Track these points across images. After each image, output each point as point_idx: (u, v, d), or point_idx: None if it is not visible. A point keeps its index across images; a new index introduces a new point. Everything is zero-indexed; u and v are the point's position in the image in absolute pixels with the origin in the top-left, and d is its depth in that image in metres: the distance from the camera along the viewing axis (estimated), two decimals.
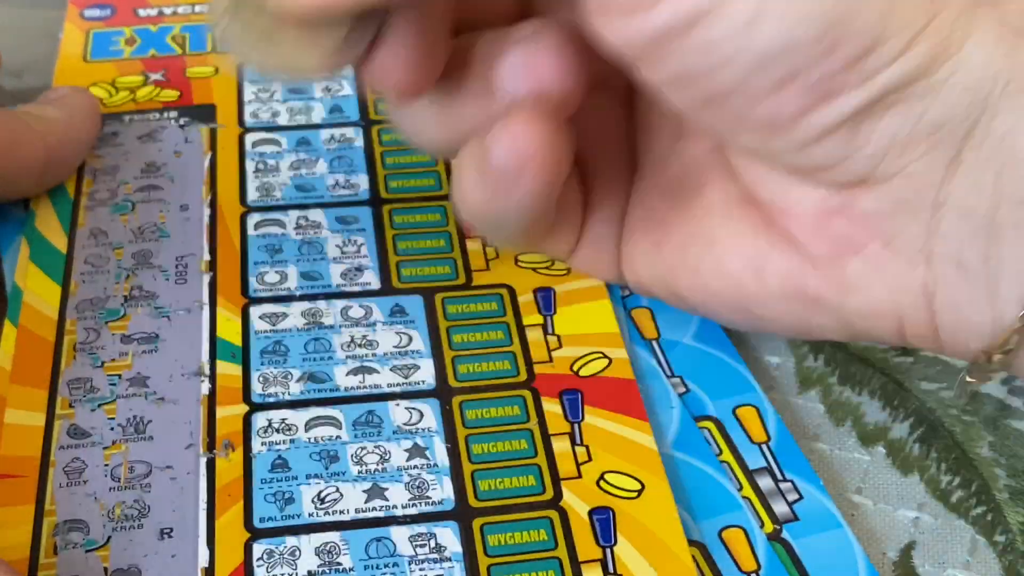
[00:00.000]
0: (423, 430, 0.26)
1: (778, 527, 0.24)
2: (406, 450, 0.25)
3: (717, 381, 0.27)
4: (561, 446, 0.25)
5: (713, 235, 0.25)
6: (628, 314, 0.29)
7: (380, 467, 0.25)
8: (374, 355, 0.27)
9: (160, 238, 0.29)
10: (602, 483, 0.25)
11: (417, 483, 0.25)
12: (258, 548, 0.23)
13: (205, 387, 0.26)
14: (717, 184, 0.25)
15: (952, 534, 0.25)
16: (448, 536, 0.24)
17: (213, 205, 0.30)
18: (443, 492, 0.24)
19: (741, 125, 0.22)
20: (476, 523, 0.24)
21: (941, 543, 0.25)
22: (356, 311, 0.28)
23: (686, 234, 0.26)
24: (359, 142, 0.32)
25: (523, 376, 0.27)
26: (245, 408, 0.26)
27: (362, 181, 0.31)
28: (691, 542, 0.24)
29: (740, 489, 0.25)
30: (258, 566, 0.23)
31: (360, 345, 0.27)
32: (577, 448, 0.25)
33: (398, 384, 0.26)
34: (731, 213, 0.25)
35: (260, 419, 0.26)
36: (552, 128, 0.23)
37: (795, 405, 0.28)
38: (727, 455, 0.26)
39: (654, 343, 0.28)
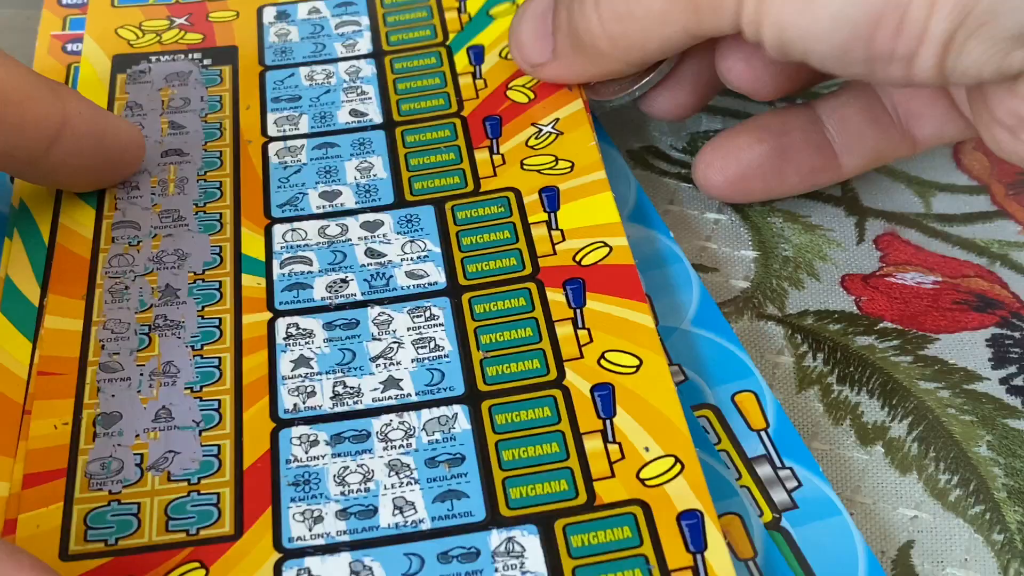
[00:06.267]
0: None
1: (777, 516, 0.25)
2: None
3: (715, 367, 0.27)
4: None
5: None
6: None
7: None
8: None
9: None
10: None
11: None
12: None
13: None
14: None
15: (950, 533, 0.25)
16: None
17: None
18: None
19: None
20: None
21: (939, 542, 0.25)
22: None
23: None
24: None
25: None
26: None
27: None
28: None
29: (739, 478, 0.25)
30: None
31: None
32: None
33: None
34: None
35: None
36: None
37: (793, 404, 0.28)
38: (725, 443, 0.26)
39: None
